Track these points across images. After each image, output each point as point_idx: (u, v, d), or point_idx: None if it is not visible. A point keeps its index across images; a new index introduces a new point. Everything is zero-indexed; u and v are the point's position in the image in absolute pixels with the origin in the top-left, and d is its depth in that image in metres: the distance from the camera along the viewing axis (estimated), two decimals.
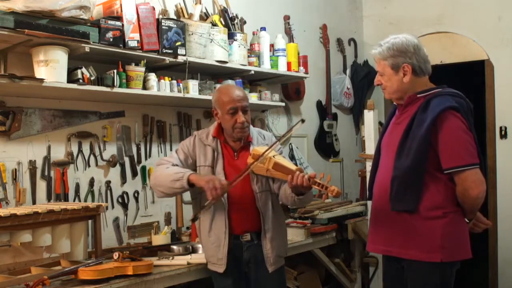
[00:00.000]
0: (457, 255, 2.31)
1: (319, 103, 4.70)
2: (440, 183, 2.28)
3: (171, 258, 2.76)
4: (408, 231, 2.31)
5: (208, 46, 3.31)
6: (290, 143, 4.35)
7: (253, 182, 2.63)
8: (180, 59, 3.13)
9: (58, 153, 2.94)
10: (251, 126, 2.72)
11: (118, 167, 3.20)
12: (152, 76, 3.07)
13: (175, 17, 3.33)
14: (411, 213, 2.30)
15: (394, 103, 2.52)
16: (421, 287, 2.32)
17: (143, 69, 3.00)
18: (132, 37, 2.89)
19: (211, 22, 3.43)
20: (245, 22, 3.80)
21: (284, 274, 2.80)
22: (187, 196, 3.50)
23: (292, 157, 4.26)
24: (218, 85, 3.44)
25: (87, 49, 2.67)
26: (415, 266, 2.31)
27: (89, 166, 3.06)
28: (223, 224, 2.60)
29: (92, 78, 2.82)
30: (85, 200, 3.02)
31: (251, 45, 3.72)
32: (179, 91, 3.20)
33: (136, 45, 2.91)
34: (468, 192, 2.24)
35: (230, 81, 3.51)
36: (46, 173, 2.87)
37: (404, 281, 2.38)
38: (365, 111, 3.95)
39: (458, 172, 2.24)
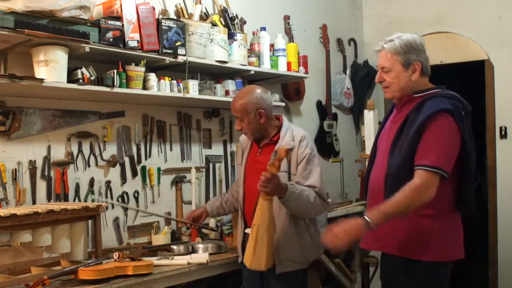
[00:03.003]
0: (449, 255, 2.31)
1: (319, 103, 4.70)
2: None
3: (171, 258, 2.76)
4: (401, 229, 2.31)
5: (208, 46, 3.31)
6: None
7: None
8: (180, 59, 3.12)
9: (58, 153, 2.94)
10: (286, 123, 2.81)
11: (118, 167, 3.20)
12: (152, 76, 3.07)
13: (175, 17, 3.32)
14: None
15: (393, 101, 2.51)
16: (414, 285, 2.32)
17: (143, 69, 3.00)
18: (132, 37, 2.89)
19: (211, 22, 3.42)
20: (245, 22, 3.80)
21: (299, 279, 2.75)
22: (187, 196, 3.50)
23: None
24: (218, 85, 3.44)
25: (87, 49, 2.67)
26: (408, 265, 2.31)
27: (89, 166, 3.06)
28: (241, 215, 2.84)
29: (92, 78, 2.82)
30: (85, 200, 3.02)
31: (251, 45, 3.72)
32: (179, 91, 3.20)
33: (136, 45, 2.90)
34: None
35: (230, 81, 3.51)
36: (46, 173, 2.87)
37: (399, 279, 2.38)
38: (365, 111, 3.95)
39: (420, 169, 2.22)
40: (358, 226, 2.19)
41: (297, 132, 2.76)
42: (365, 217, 2.19)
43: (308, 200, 2.58)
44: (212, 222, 3.37)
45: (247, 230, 2.60)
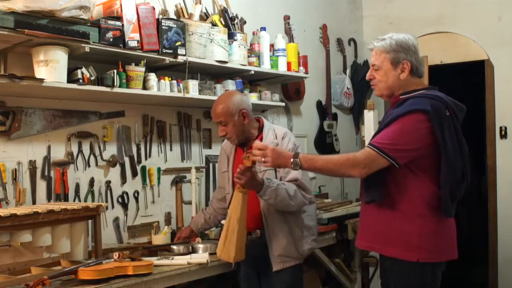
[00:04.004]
0: (437, 256, 2.29)
1: (319, 103, 4.71)
2: (421, 181, 2.27)
3: (171, 258, 2.76)
4: (389, 228, 2.31)
5: (208, 46, 3.31)
6: None
7: None
8: (180, 59, 3.12)
9: (58, 153, 2.94)
10: (266, 123, 2.87)
11: (118, 167, 3.20)
12: (152, 76, 3.07)
13: (175, 17, 3.32)
14: (378, 203, 2.30)
15: (383, 99, 2.52)
16: (401, 285, 2.33)
17: (143, 69, 3.00)
18: (132, 37, 2.89)
19: (211, 22, 3.43)
20: (245, 22, 3.80)
21: (295, 274, 2.80)
22: (187, 196, 3.50)
23: None
24: (218, 85, 3.44)
25: (87, 49, 2.67)
26: (395, 264, 2.32)
27: (89, 166, 3.06)
28: None
29: (92, 78, 2.82)
30: (85, 200, 3.02)
31: (251, 45, 3.72)
32: (179, 91, 3.20)
33: (136, 45, 2.90)
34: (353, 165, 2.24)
35: (230, 81, 3.51)
36: (46, 173, 2.87)
37: (389, 278, 2.39)
38: (365, 111, 3.95)
39: (368, 147, 2.24)
40: (287, 159, 2.31)
41: (278, 130, 2.85)
42: (297, 156, 2.30)
43: (286, 193, 2.63)
44: None
45: (223, 221, 2.63)
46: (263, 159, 2.35)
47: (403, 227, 2.28)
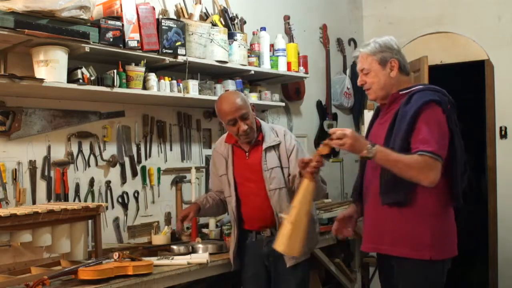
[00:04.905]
0: (446, 253, 2.31)
1: (319, 103, 4.70)
2: None
3: (171, 258, 2.76)
4: (397, 228, 2.30)
5: (208, 46, 3.31)
6: None
7: (267, 181, 2.72)
8: (180, 59, 3.13)
9: (58, 153, 2.94)
10: (263, 123, 2.85)
11: (118, 167, 3.20)
12: (152, 76, 3.07)
13: (175, 17, 3.32)
14: (401, 206, 2.28)
15: (378, 104, 2.52)
16: (411, 285, 2.32)
17: (143, 69, 3.00)
18: (132, 37, 2.89)
19: (211, 22, 3.43)
20: (245, 22, 3.80)
21: (306, 269, 2.83)
22: (187, 196, 3.50)
23: None
24: (218, 85, 3.44)
25: (87, 49, 2.67)
26: (405, 264, 2.31)
27: (89, 166, 3.06)
28: (234, 221, 2.83)
29: (92, 78, 2.82)
30: (85, 200, 3.02)
31: (251, 45, 3.72)
32: (179, 91, 3.20)
33: (136, 45, 2.90)
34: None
35: (230, 81, 3.51)
36: (46, 173, 2.87)
37: (395, 278, 2.38)
38: (365, 111, 3.96)
39: (426, 155, 2.20)
40: (363, 145, 2.21)
41: (278, 128, 2.85)
42: (374, 145, 2.21)
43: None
44: (212, 223, 3.37)
45: (282, 215, 2.47)
46: (340, 142, 2.23)
47: (413, 225, 2.27)
